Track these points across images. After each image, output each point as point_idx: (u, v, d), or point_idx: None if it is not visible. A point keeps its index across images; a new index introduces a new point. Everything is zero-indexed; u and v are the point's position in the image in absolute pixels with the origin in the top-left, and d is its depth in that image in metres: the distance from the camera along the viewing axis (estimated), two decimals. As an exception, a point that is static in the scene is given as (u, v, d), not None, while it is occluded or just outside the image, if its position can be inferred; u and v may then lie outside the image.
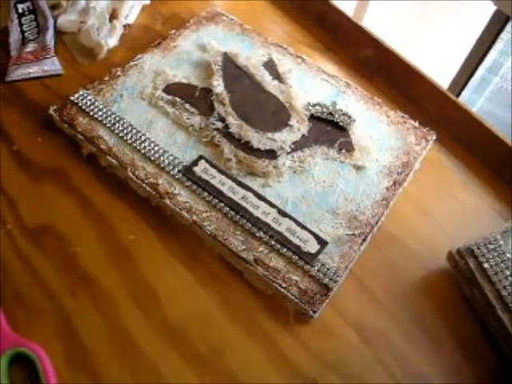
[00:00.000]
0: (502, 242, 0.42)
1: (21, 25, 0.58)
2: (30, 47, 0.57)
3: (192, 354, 0.39)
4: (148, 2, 0.65)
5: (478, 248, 0.42)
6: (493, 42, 0.97)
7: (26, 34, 0.58)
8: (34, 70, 0.55)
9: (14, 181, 0.47)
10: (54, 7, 0.60)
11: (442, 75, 0.74)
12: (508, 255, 0.42)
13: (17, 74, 0.55)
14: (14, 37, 0.58)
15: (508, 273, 0.41)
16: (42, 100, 0.53)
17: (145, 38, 0.59)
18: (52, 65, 0.56)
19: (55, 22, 0.59)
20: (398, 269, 0.45)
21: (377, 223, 0.46)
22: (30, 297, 0.40)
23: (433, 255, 0.46)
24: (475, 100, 1.11)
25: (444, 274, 0.45)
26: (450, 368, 0.40)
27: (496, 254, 0.42)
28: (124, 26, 0.61)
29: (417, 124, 0.54)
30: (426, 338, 0.41)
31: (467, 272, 0.42)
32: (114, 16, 0.60)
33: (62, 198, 0.46)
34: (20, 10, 0.59)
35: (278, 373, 0.38)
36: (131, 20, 0.62)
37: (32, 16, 0.59)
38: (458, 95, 1.05)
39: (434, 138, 0.54)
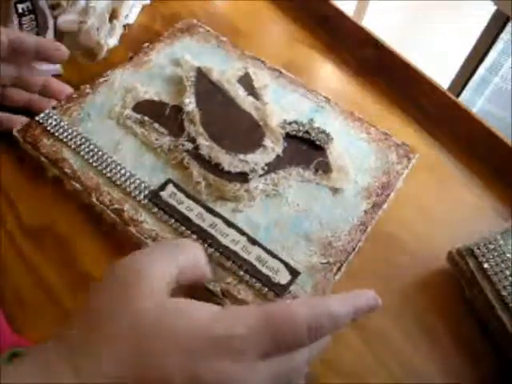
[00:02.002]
0: (502, 242, 0.42)
1: (21, 25, 0.58)
2: (30, 47, 0.57)
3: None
4: (148, 2, 0.65)
5: (478, 248, 0.42)
6: (493, 42, 0.98)
7: (25, 34, 0.58)
8: (33, 70, 0.55)
9: (14, 181, 0.47)
10: (53, 7, 0.60)
11: (442, 75, 0.74)
12: (508, 255, 0.42)
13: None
14: (14, 37, 0.58)
15: (508, 273, 0.41)
16: (41, 100, 0.52)
17: (145, 38, 0.59)
18: (52, 65, 0.56)
19: (55, 22, 0.59)
20: (397, 269, 0.45)
21: (353, 249, 0.44)
22: (30, 297, 0.40)
23: (433, 255, 0.46)
24: (475, 100, 1.11)
25: (444, 274, 0.45)
26: (449, 368, 0.40)
27: (496, 253, 0.42)
28: (124, 25, 0.61)
29: (399, 142, 0.52)
30: (426, 338, 0.41)
31: (467, 272, 0.42)
32: (113, 16, 0.60)
33: (63, 198, 0.46)
34: (20, 10, 0.59)
35: (277, 373, 0.38)
36: (131, 20, 0.62)
37: (32, 16, 0.59)
38: (458, 95, 1.05)
39: (417, 156, 0.51)
